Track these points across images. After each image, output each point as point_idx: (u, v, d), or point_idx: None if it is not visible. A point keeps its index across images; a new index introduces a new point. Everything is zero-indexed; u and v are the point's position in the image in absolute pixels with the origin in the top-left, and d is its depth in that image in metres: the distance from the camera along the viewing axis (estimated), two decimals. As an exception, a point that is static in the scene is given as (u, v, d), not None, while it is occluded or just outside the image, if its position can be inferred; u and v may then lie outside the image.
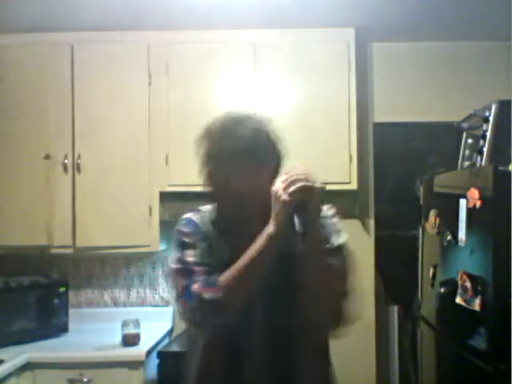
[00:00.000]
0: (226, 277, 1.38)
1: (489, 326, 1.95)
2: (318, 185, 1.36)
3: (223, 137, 1.45)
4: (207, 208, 1.58)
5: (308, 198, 1.34)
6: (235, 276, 1.38)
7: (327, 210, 1.54)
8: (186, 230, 1.52)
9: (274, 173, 1.45)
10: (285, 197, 1.33)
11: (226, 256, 1.43)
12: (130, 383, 2.62)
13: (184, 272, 1.44)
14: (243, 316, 1.43)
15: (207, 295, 1.37)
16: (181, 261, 1.47)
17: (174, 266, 1.48)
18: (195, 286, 1.39)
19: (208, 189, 1.50)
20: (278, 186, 1.36)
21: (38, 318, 2.84)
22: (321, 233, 1.43)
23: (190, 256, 1.46)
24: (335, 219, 1.54)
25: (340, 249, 1.48)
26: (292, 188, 1.33)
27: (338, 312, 1.42)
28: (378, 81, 3.29)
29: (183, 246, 1.49)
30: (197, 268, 1.43)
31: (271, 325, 1.46)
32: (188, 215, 1.57)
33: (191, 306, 1.39)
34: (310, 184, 1.34)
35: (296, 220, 1.34)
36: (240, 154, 1.41)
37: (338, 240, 1.49)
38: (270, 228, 1.36)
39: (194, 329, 1.52)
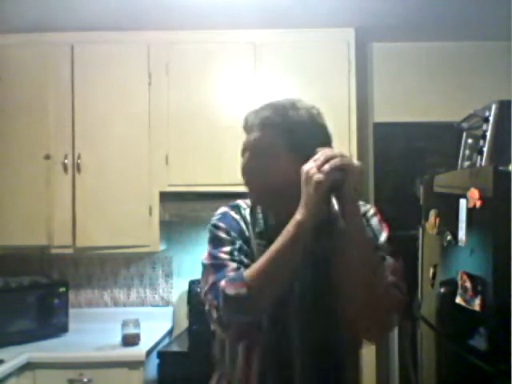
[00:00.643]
0: (251, 270, 1.25)
1: (489, 326, 1.95)
2: (355, 163, 1.21)
3: (277, 124, 1.32)
4: (246, 202, 1.45)
5: (345, 177, 1.18)
6: (262, 269, 1.23)
7: (370, 208, 1.42)
8: (221, 224, 1.38)
9: None
10: (318, 176, 1.17)
11: (262, 254, 1.29)
12: (130, 383, 2.62)
13: (215, 267, 1.32)
14: (278, 319, 1.31)
15: (231, 291, 1.23)
16: (213, 256, 1.34)
17: (205, 261, 1.36)
18: (223, 283, 1.26)
19: (250, 183, 1.38)
20: (310, 164, 1.19)
21: (38, 318, 2.84)
22: (362, 220, 1.27)
23: (224, 252, 1.33)
24: (378, 217, 1.41)
25: (384, 247, 1.34)
26: (327, 166, 1.17)
27: (387, 312, 1.28)
28: (378, 81, 3.29)
29: (217, 241, 1.36)
30: (229, 263, 1.31)
31: (313, 325, 1.34)
32: (224, 209, 1.43)
33: (216, 304, 1.27)
34: (347, 161, 1.19)
35: (334, 203, 1.17)
36: (294, 144, 1.29)
37: (382, 237, 1.36)
38: (300, 214, 1.19)
39: (221, 331, 1.35)
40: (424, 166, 3.50)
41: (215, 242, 1.37)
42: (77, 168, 2.97)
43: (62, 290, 2.95)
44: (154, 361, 2.76)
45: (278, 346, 1.35)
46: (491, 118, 2.30)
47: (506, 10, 2.47)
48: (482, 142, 2.32)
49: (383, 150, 3.41)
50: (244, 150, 1.40)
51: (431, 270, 2.50)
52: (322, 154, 1.20)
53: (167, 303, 3.30)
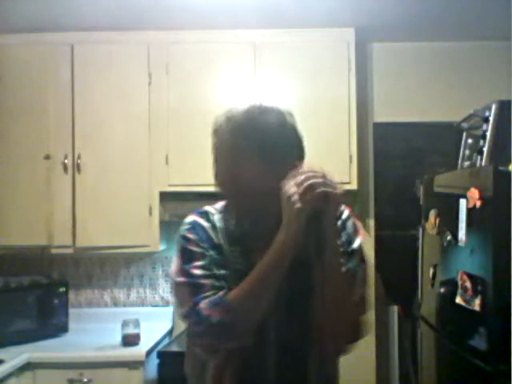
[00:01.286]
0: (235, 295, 1.22)
1: (489, 326, 1.95)
2: (338, 191, 1.21)
3: (248, 128, 1.29)
4: (215, 208, 1.40)
5: (327, 206, 1.20)
6: (246, 294, 1.21)
7: (343, 210, 1.39)
8: (191, 236, 1.32)
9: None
10: (299, 205, 1.17)
11: (239, 266, 1.28)
12: (130, 383, 2.62)
13: (190, 287, 1.26)
14: (256, 333, 1.27)
15: (216, 318, 1.20)
16: (186, 273, 1.28)
17: (178, 278, 1.29)
18: (202, 306, 1.22)
19: (222, 187, 1.37)
20: (292, 189, 1.19)
21: (38, 317, 2.84)
22: (337, 243, 1.28)
23: (197, 268, 1.27)
24: (352, 220, 1.39)
25: (357, 252, 1.35)
26: (309, 197, 1.17)
27: (357, 323, 1.31)
28: (378, 81, 3.29)
29: (188, 256, 1.30)
30: (204, 281, 1.26)
31: (286, 339, 1.32)
32: (193, 218, 1.37)
33: (199, 330, 1.24)
34: (330, 190, 1.19)
35: (311, 229, 1.20)
36: (265, 148, 1.27)
37: (355, 243, 1.36)
38: (282, 235, 1.20)
39: (203, 354, 1.32)
40: (424, 166, 3.51)
41: (185, 256, 1.31)
42: (77, 168, 2.97)
43: (61, 289, 2.95)
44: (154, 361, 2.76)
45: (251, 361, 1.32)
46: (491, 118, 2.30)
47: (506, 9, 2.47)
48: (482, 142, 2.32)
49: (383, 150, 3.41)
50: (215, 156, 1.38)
51: (431, 270, 2.50)
52: (305, 178, 1.19)
53: (167, 303, 3.30)
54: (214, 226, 1.35)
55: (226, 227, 1.35)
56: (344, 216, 1.39)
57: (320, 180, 1.19)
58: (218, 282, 1.26)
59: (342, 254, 1.31)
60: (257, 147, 1.29)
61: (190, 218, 1.37)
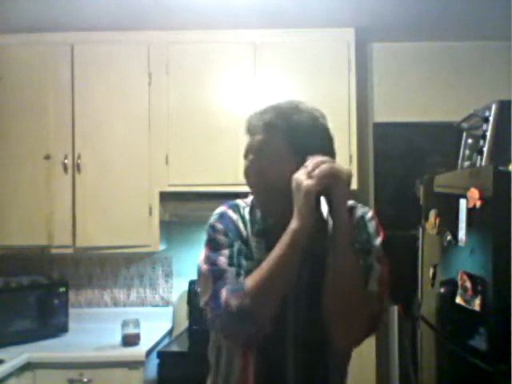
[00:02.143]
0: (252, 281, 1.24)
1: (489, 326, 1.95)
2: (345, 169, 1.23)
3: (281, 126, 1.32)
4: (245, 201, 1.43)
5: (335, 183, 1.21)
6: (262, 280, 1.23)
7: (368, 211, 1.42)
8: (218, 225, 1.36)
9: None
10: (307, 182, 1.20)
11: (262, 257, 1.29)
12: (130, 383, 2.62)
13: (214, 274, 1.30)
14: (275, 323, 1.28)
15: (234, 303, 1.23)
16: (211, 261, 1.32)
17: (203, 266, 1.33)
18: (223, 292, 1.25)
19: (251, 182, 1.38)
20: (300, 172, 1.22)
21: (38, 317, 2.84)
22: (349, 226, 1.28)
23: (222, 256, 1.31)
24: (375, 222, 1.40)
25: (376, 251, 1.35)
26: (316, 172, 1.20)
27: (367, 319, 1.29)
28: (378, 81, 3.29)
29: (215, 245, 1.34)
30: (228, 269, 1.29)
31: (303, 331, 1.34)
32: (222, 209, 1.41)
33: (218, 316, 1.26)
34: (336, 167, 1.22)
35: (323, 209, 1.21)
36: (297, 146, 1.30)
37: (375, 242, 1.36)
38: (294, 223, 1.21)
39: (224, 339, 1.36)
40: (424, 166, 3.50)
41: (212, 244, 1.35)
42: (77, 168, 2.97)
43: (61, 290, 2.95)
44: (154, 361, 2.76)
45: (274, 348, 1.35)
46: (491, 118, 2.30)
47: (506, 9, 2.47)
48: (482, 142, 2.32)
49: (383, 149, 3.41)
50: (247, 152, 1.40)
51: (431, 270, 2.50)
52: (310, 161, 1.23)
53: (167, 303, 3.30)
54: (242, 219, 1.39)
55: (254, 220, 1.38)
56: (367, 216, 1.41)
57: (326, 160, 1.22)
58: (241, 271, 1.29)
59: (359, 251, 1.32)
60: (288, 145, 1.31)
61: (220, 209, 1.41)
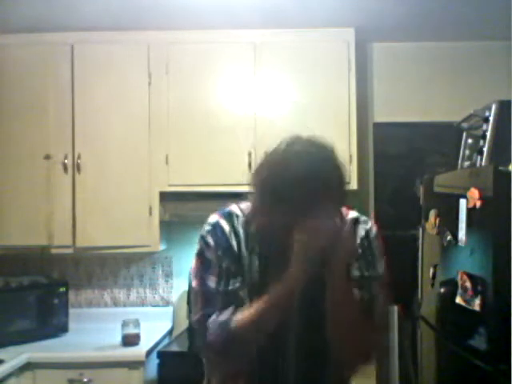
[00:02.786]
0: (241, 321, 1.26)
1: (489, 326, 1.95)
2: (347, 244, 1.26)
3: (296, 167, 1.23)
4: (241, 208, 1.39)
5: (333, 256, 1.24)
6: (249, 325, 1.26)
7: (371, 227, 1.42)
8: (210, 241, 1.34)
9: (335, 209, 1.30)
10: (305, 252, 1.22)
11: (254, 275, 1.32)
12: (130, 383, 2.62)
13: (204, 297, 1.33)
14: (267, 355, 1.33)
15: (219, 340, 1.26)
16: (201, 279, 1.33)
17: (194, 281, 1.35)
18: (210, 325, 1.28)
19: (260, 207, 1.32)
20: (303, 235, 1.21)
21: (38, 317, 2.84)
22: (347, 283, 1.29)
23: (212, 275, 1.32)
24: (378, 241, 1.40)
25: (380, 278, 1.36)
26: (315, 245, 1.21)
27: (368, 350, 1.34)
28: (378, 81, 3.29)
29: (205, 262, 1.34)
30: (217, 297, 1.30)
31: (300, 363, 1.37)
32: (215, 218, 1.37)
33: (202, 346, 1.32)
34: (337, 244, 1.23)
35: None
36: (311, 190, 1.21)
37: (380, 267, 1.37)
38: (294, 269, 1.23)
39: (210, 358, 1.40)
40: (424, 166, 3.50)
41: (202, 260, 1.35)
42: (77, 168, 2.97)
43: (62, 290, 2.95)
44: (154, 361, 2.76)
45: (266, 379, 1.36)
46: (491, 118, 2.30)
47: (506, 9, 2.47)
48: (482, 142, 2.32)
49: (383, 149, 3.41)
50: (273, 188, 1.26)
51: (431, 270, 2.50)
52: (316, 227, 1.20)
53: (167, 303, 3.30)
54: (235, 231, 1.35)
55: (248, 234, 1.35)
56: (372, 234, 1.41)
57: (331, 231, 1.22)
58: (228, 298, 1.31)
59: (362, 279, 1.34)
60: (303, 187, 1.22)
61: (213, 219, 1.38)
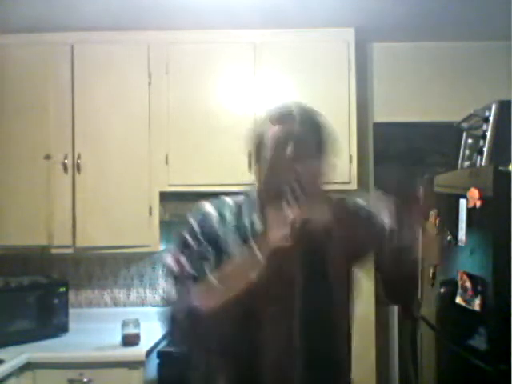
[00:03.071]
0: (207, 298, 1.28)
1: (489, 326, 1.95)
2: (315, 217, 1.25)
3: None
4: (235, 201, 1.41)
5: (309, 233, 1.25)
6: (216, 300, 1.27)
7: (369, 212, 1.44)
8: (195, 226, 1.37)
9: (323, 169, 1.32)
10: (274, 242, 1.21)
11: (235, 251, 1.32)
12: (130, 383, 2.62)
13: (178, 279, 1.35)
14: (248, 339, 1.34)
15: (186, 326, 1.30)
16: (179, 264, 1.35)
17: (172, 262, 1.36)
18: (182, 302, 1.31)
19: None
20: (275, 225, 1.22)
21: (38, 318, 2.84)
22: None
23: (186, 256, 1.34)
24: (377, 219, 1.43)
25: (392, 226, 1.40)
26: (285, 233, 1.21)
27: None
28: (378, 81, 3.29)
29: (187, 248, 1.36)
30: (189, 280, 1.32)
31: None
32: (203, 204, 1.41)
33: (170, 327, 1.38)
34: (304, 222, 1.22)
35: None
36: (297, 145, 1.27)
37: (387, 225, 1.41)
38: (266, 239, 1.23)
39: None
40: (424, 166, 3.51)
41: (185, 247, 1.36)
42: (77, 168, 2.97)
43: (62, 290, 2.95)
44: (154, 361, 2.76)
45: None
46: (491, 118, 2.30)
47: (506, 9, 2.47)
48: (482, 142, 2.32)
49: (383, 150, 3.41)
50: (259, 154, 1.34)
51: (431, 270, 2.50)
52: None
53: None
54: (221, 216, 1.37)
55: (237, 223, 1.37)
56: (373, 219, 1.44)
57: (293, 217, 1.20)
58: (199, 279, 1.31)
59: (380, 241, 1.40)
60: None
61: (201, 204, 1.41)
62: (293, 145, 1.27)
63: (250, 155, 1.39)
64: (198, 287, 1.30)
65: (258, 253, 1.23)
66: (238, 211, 1.38)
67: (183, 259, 1.34)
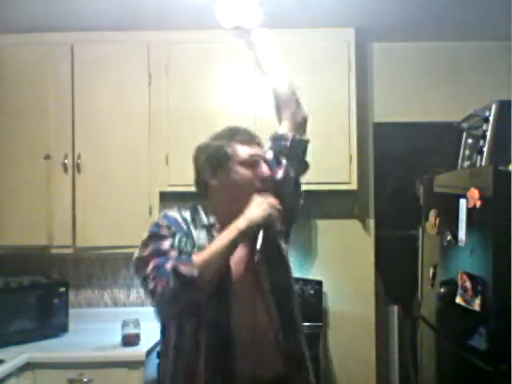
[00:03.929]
0: (199, 256, 1.47)
1: (489, 326, 1.95)
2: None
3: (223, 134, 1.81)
4: (185, 207, 1.69)
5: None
6: (208, 256, 1.46)
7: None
8: (163, 223, 1.58)
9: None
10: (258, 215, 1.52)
11: (202, 242, 1.54)
12: (130, 383, 2.62)
13: (157, 255, 1.49)
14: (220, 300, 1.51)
15: (184, 270, 1.42)
16: (154, 248, 1.51)
17: (144, 253, 1.52)
18: (168, 265, 1.44)
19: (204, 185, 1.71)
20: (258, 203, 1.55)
21: (38, 318, 2.84)
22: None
23: (165, 242, 1.52)
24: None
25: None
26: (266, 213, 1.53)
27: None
28: (378, 81, 3.29)
29: (158, 237, 1.53)
30: (171, 251, 1.50)
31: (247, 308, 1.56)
32: (165, 211, 1.66)
33: (164, 282, 1.42)
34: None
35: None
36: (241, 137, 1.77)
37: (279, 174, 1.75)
38: (241, 223, 1.50)
39: (167, 311, 1.53)
40: (424, 166, 3.50)
41: (155, 238, 1.54)
42: (77, 168, 2.97)
43: (62, 289, 2.95)
44: (154, 361, 2.76)
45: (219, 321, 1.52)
46: (491, 118, 2.30)
47: (506, 9, 2.47)
48: (482, 142, 2.32)
49: (383, 150, 3.41)
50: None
51: (431, 270, 2.50)
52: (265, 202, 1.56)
53: (167, 303, 3.29)
54: (182, 217, 1.62)
55: (196, 218, 1.64)
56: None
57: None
58: (182, 254, 1.50)
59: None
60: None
61: (164, 212, 1.66)
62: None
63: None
64: (190, 256, 1.48)
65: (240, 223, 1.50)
66: (192, 212, 1.67)
67: (164, 246, 1.52)
